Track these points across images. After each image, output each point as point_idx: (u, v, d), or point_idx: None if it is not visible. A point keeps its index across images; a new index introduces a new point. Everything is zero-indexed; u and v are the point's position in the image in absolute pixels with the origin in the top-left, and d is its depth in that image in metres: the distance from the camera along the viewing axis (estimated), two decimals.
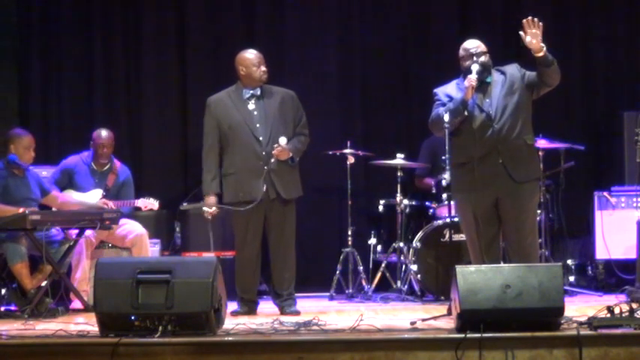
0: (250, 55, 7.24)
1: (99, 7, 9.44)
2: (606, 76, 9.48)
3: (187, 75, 9.46)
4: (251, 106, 7.19)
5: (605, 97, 9.46)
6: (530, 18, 5.96)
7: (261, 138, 7.11)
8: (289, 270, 7.23)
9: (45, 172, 8.34)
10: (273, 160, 7.06)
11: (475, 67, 6.15)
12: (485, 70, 6.20)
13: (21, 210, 7.28)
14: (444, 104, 6.24)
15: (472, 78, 6.11)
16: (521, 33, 5.96)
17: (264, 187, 7.07)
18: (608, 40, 9.49)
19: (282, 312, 7.12)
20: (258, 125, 7.13)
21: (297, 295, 7.36)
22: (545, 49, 5.98)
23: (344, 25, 9.52)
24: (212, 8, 9.50)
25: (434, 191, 8.50)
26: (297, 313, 7.06)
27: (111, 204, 7.97)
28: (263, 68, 7.21)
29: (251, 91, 7.20)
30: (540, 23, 5.94)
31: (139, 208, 8.19)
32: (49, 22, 9.41)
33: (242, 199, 7.12)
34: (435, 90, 6.40)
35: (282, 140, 7.06)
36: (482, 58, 6.22)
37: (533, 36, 5.94)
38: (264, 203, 7.10)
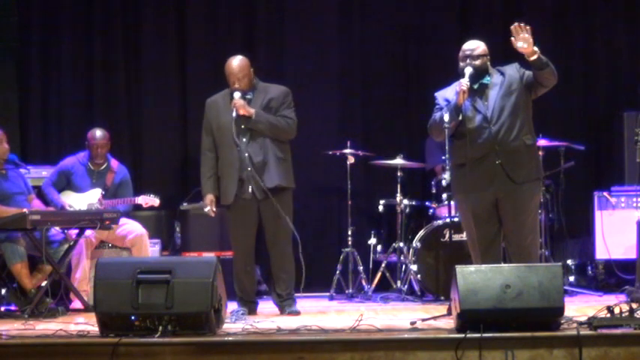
0: (230, 64, 7.15)
1: (99, 8, 9.44)
2: (606, 76, 9.49)
3: (187, 75, 9.46)
4: None
5: (605, 97, 9.46)
6: (517, 24, 5.94)
7: (244, 139, 7.09)
8: (286, 271, 7.21)
9: (45, 172, 8.36)
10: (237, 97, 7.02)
11: (468, 71, 6.13)
12: (478, 74, 6.17)
13: (25, 210, 7.28)
14: (442, 109, 6.23)
15: (463, 82, 6.09)
16: (512, 39, 5.95)
17: (250, 189, 7.06)
18: (609, 40, 9.50)
19: (282, 312, 7.12)
20: (242, 127, 7.08)
21: (297, 295, 7.36)
22: (538, 52, 5.97)
23: (344, 25, 9.53)
24: (212, 8, 9.51)
25: (433, 191, 8.51)
26: (297, 313, 7.07)
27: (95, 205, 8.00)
28: (236, 85, 7.11)
29: (248, 93, 7.18)
30: (528, 27, 5.92)
31: (139, 206, 8.19)
32: (49, 22, 9.41)
33: (223, 201, 7.20)
34: (435, 94, 6.38)
35: (237, 94, 7.02)
36: (478, 61, 6.18)
37: (523, 41, 5.93)
38: (254, 204, 7.09)
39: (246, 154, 7.06)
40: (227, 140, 7.10)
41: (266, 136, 7.09)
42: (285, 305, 7.15)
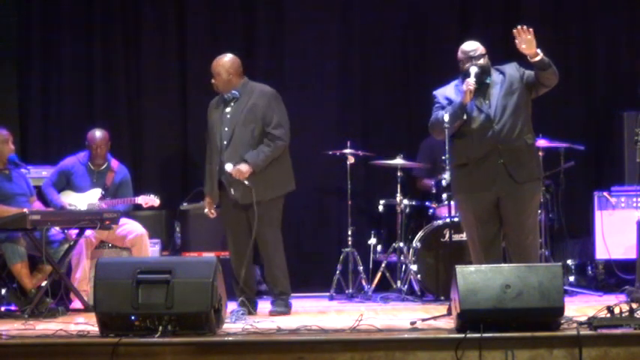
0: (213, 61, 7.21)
1: (99, 8, 9.44)
2: (606, 76, 9.49)
3: (187, 75, 9.46)
4: (228, 109, 7.15)
5: (605, 97, 9.46)
6: (519, 27, 5.96)
7: (225, 142, 7.10)
8: (273, 274, 7.14)
9: (45, 172, 8.36)
10: (229, 169, 6.99)
11: (473, 70, 6.14)
12: (483, 73, 6.19)
13: (25, 210, 7.28)
14: (443, 107, 6.23)
15: (470, 82, 6.10)
16: (516, 41, 5.96)
17: (232, 191, 7.06)
18: (608, 39, 9.49)
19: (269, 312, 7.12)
20: (226, 129, 7.10)
21: (297, 295, 7.35)
22: (540, 53, 5.99)
23: (344, 25, 9.52)
24: (212, 8, 9.50)
25: (434, 191, 8.50)
26: (278, 313, 7.00)
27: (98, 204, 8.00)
28: (212, 81, 7.16)
29: (230, 94, 7.16)
30: (531, 29, 5.94)
31: (139, 206, 8.19)
32: (49, 22, 9.40)
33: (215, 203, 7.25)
34: (434, 92, 6.39)
35: (228, 167, 6.97)
36: (481, 61, 6.21)
37: (526, 42, 5.95)
38: (240, 205, 7.07)
39: (225, 161, 7.05)
40: (213, 143, 7.14)
41: (250, 146, 7.03)
42: (274, 305, 7.13)
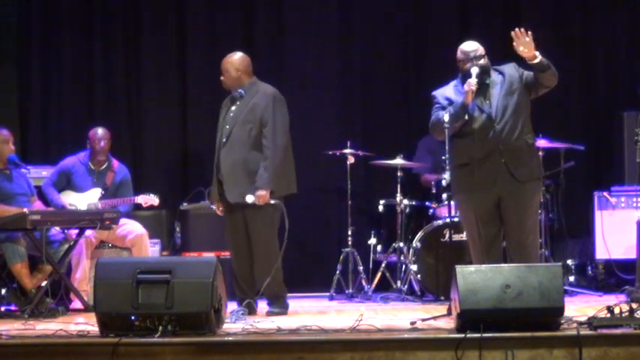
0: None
1: (99, 8, 9.44)
2: (606, 76, 9.49)
3: (187, 75, 9.46)
4: (234, 107, 7.15)
5: (605, 97, 9.46)
6: (517, 30, 5.96)
7: (224, 140, 7.08)
8: (266, 272, 7.02)
9: (45, 172, 8.37)
10: (251, 201, 6.96)
11: (475, 71, 6.14)
12: (484, 73, 6.19)
13: (25, 210, 7.28)
14: (443, 107, 6.23)
15: (472, 82, 6.09)
16: (514, 44, 5.96)
17: (225, 190, 7.06)
18: (608, 40, 9.50)
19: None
20: (227, 127, 7.09)
21: (297, 295, 7.35)
22: (539, 56, 5.99)
23: (344, 25, 9.53)
24: (212, 8, 9.51)
25: (433, 191, 8.50)
26: (275, 313, 7.00)
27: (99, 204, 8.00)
28: (221, 78, 7.16)
29: (237, 93, 7.15)
30: (529, 32, 5.94)
31: (139, 205, 8.19)
32: (49, 22, 9.41)
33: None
34: (434, 93, 6.38)
35: (249, 198, 6.92)
36: (482, 61, 6.21)
37: (524, 45, 5.95)
38: (239, 205, 7.07)
39: (221, 159, 7.05)
40: (217, 141, 7.13)
41: (246, 145, 7.02)
42: (271, 306, 7.13)
